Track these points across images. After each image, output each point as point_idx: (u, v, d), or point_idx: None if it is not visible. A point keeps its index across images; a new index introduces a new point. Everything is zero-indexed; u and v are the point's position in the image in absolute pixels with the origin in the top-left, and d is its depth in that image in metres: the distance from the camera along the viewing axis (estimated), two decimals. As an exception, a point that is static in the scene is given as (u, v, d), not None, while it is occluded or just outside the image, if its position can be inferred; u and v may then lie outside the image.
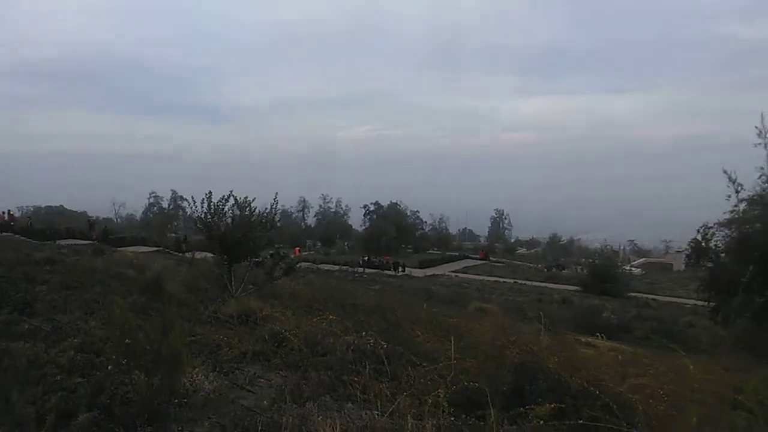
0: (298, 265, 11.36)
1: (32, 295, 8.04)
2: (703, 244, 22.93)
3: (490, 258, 66.77)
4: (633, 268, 58.01)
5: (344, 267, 43.31)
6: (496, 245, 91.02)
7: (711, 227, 20.67)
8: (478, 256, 69.99)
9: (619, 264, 48.30)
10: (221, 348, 5.66)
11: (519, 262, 70.70)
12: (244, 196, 10.00)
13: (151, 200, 78.34)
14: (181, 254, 34.57)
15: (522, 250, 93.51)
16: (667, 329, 25.31)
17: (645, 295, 43.48)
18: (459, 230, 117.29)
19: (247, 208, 9.85)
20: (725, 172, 20.39)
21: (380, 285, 33.74)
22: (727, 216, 21.08)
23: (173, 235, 63.23)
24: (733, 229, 20.90)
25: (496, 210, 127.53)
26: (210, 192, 9.45)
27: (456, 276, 49.88)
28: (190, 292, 10.45)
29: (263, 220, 9.96)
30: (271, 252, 10.34)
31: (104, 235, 42.02)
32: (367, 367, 4.93)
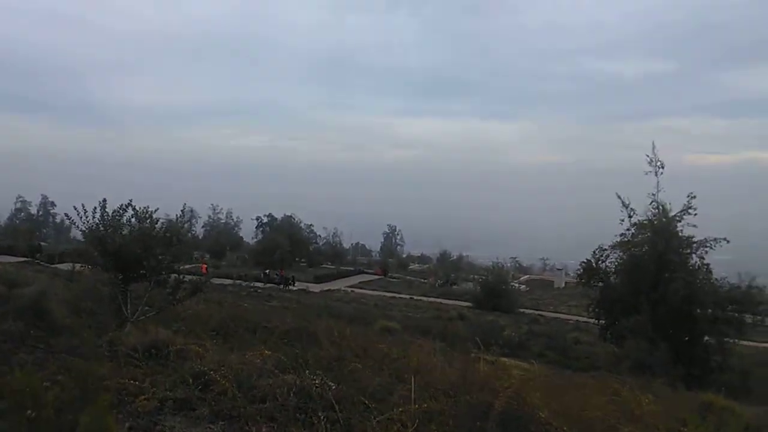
0: (206, 283, 10.18)
1: None
2: (594, 264, 24.03)
3: (388, 274, 66.95)
4: (519, 285, 60.48)
5: (238, 281, 41.32)
6: (390, 260, 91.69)
7: (605, 249, 21.65)
8: (373, 272, 70.02)
9: (509, 281, 50.09)
10: (130, 394, 4.58)
11: (412, 278, 71.59)
12: (145, 205, 8.79)
13: (18, 205, 71.01)
14: (52, 266, 31.24)
15: (414, 266, 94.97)
16: (559, 345, 26.31)
17: (532, 311, 45.37)
18: (352, 245, 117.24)
19: (148, 220, 8.64)
20: (619, 197, 21.55)
21: (277, 301, 32.37)
22: (619, 239, 22.28)
23: (42, 243, 57.66)
24: (625, 252, 22.06)
25: (389, 225, 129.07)
26: (104, 200, 8.17)
27: (352, 291, 49.34)
28: (75, 315, 8.99)
29: (167, 233, 8.78)
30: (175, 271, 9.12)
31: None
32: (321, 417, 4.12)
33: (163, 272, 8.68)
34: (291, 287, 45.42)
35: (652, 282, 19.92)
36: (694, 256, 20.39)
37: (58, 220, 74.11)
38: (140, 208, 8.53)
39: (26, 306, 7.82)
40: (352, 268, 70.67)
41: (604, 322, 24.35)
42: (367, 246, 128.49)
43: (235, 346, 8.86)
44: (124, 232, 8.35)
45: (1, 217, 70.71)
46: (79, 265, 15.24)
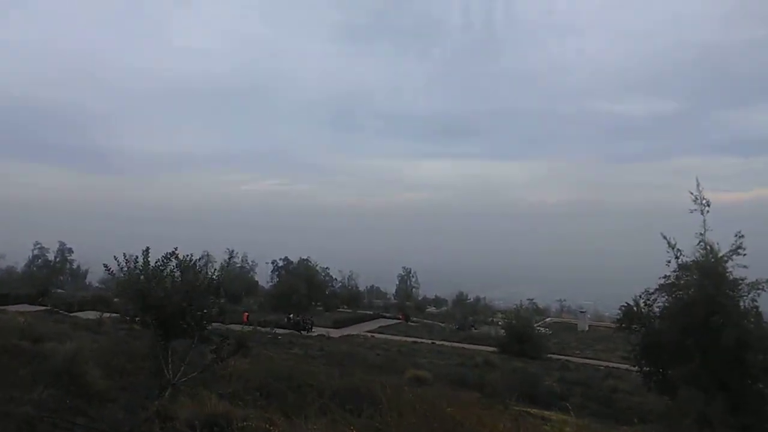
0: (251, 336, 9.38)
1: None
2: (635, 308, 22.92)
3: (410, 319, 65.54)
4: (542, 328, 58.82)
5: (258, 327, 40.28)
6: (407, 304, 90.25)
7: (652, 292, 20.58)
8: (390, 315, 68.74)
9: (534, 324, 48.62)
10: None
11: (430, 321, 70.09)
12: (188, 254, 8.08)
13: (36, 252, 70.81)
14: (71, 314, 30.57)
15: (431, 309, 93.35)
16: (599, 396, 24.94)
17: (559, 356, 43.74)
18: (367, 287, 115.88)
19: (192, 269, 7.92)
20: (664, 237, 20.56)
21: (299, 348, 31.36)
22: (663, 281, 21.20)
23: (60, 290, 57.19)
24: (670, 295, 20.96)
25: (404, 268, 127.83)
26: (147, 249, 7.49)
27: (373, 336, 48.15)
28: (110, 376, 8.21)
29: (211, 284, 8.05)
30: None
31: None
32: None
33: (208, 327, 7.92)
34: (311, 332, 44.32)
35: (703, 327, 18.76)
36: (745, 298, 19.26)
37: (75, 266, 73.95)
38: (183, 256, 7.84)
39: (58, 369, 7.07)
40: (370, 312, 69.49)
41: (647, 369, 22.99)
42: (381, 289, 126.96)
43: (288, 410, 8.02)
44: (166, 285, 7.64)
45: (18, 264, 70.60)
46: (106, 314, 14.52)
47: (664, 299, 21.03)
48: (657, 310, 22.28)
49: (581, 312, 70.61)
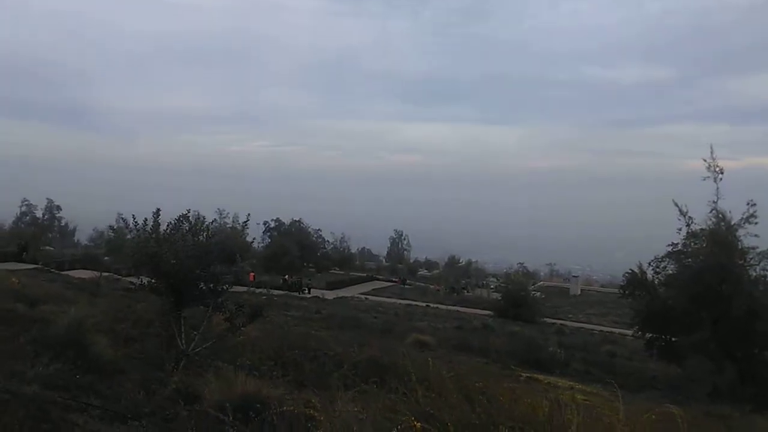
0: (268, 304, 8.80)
1: None
2: (640, 275, 22.67)
3: (407, 282, 65.43)
4: (535, 292, 58.97)
5: (252, 289, 39.88)
6: (399, 266, 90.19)
7: (663, 260, 20.22)
8: (383, 277, 68.76)
9: (529, 289, 48.61)
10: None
11: (423, 284, 70.13)
12: (195, 213, 7.42)
13: (23, 209, 69.49)
14: (62, 273, 29.92)
15: (424, 271, 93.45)
16: (599, 361, 24.86)
17: (554, 321, 43.85)
18: (358, 250, 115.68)
19: (205, 233, 7.27)
20: (676, 204, 20.12)
21: (295, 310, 31.00)
22: (671, 248, 20.85)
23: (48, 248, 56.33)
24: (677, 263, 20.64)
25: (395, 230, 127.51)
26: (158, 210, 6.81)
27: (367, 299, 47.99)
28: (115, 344, 7.61)
29: (225, 248, 7.42)
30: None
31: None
32: None
33: (223, 294, 7.32)
34: (306, 294, 44.03)
35: (713, 296, 18.48)
36: (756, 267, 18.98)
37: (63, 224, 72.87)
38: (194, 218, 7.18)
39: (62, 339, 6.45)
40: (363, 275, 69.39)
41: (651, 336, 22.86)
42: (373, 251, 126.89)
43: (307, 382, 7.50)
44: (178, 249, 6.99)
45: (5, 221, 69.34)
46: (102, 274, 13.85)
47: (672, 266, 20.72)
48: (661, 278, 22.03)
49: (573, 276, 71.00)
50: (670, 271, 20.81)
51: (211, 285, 7.07)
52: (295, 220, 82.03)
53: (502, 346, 19.98)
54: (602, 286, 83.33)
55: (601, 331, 41.93)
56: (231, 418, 4.25)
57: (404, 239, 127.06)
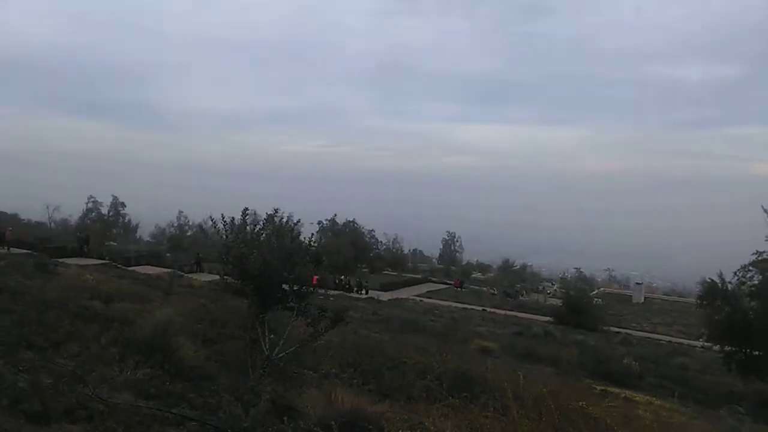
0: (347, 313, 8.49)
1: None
2: (720, 285, 21.44)
3: (464, 285, 64.62)
4: (596, 299, 57.10)
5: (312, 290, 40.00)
6: (453, 268, 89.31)
7: (750, 270, 18.96)
8: (436, 279, 68.10)
9: (592, 295, 46.98)
10: None
11: (477, 287, 69.07)
12: (284, 215, 7.14)
13: (89, 205, 72.30)
14: (129, 269, 30.67)
15: (477, 275, 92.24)
16: (671, 374, 23.59)
17: (618, 330, 42.21)
18: (410, 251, 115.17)
19: (290, 233, 6.98)
20: (765, 210, 18.81)
21: (353, 311, 30.82)
22: (756, 257, 19.57)
23: (113, 243, 58.22)
24: (763, 273, 19.36)
25: (448, 232, 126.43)
26: (245, 210, 6.57)
27: (422, 301, 47.46)
28: (197, 347, 7.42)
29: (309, 250, 7.11)
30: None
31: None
32: None
33: (308, 297, 7.02)
34: (362, 294, 43.89)
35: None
36: None
37: (126, 220, 75.42)
38: (280, 218, 6.90)
39: (149, 341, 6.26)
40: (418, 276, 68.92)
41: (729, 349, 21.56)
42: (425, 253, 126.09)
43: (389, 392, 7.09)
44: (264, 251, 6.73)
45: (72, 216, 72.36)
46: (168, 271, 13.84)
47: (757, 276, 19.45)
48: (745, 288, 20.78)
49: (637, 283, 68.18)
50: (756, 281, 19.55)
51: (296, 287, 6.77)
52: (349, 221, 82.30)
53: (572, 356, 19.10)
54: (665, 294, 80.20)
55: (669, 341, 40.12)
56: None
57: (457, 241, 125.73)
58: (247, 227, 6.75)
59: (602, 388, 16.14)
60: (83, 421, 3.74)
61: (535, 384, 8.59)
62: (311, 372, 7.05)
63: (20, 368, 4.76)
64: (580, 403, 7.48)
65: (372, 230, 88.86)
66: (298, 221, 7.05)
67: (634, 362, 20.14)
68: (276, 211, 6.86)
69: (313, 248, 7.05)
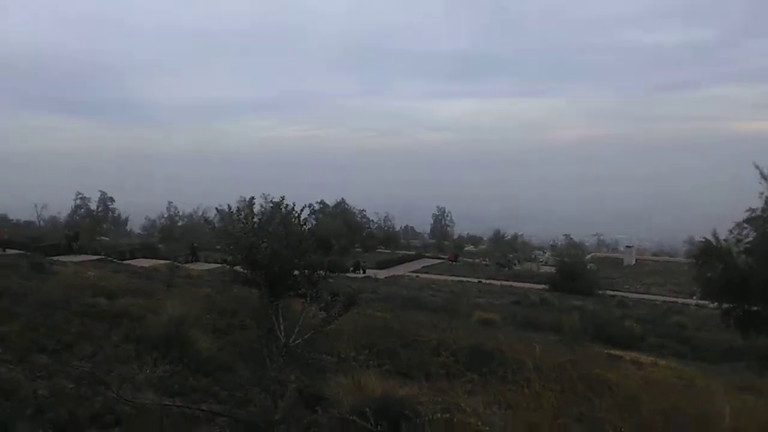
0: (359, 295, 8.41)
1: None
2: (715, 243, 21.66)
3: (459, 258, 64.82)
4: (589, 264, 57.54)
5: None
6: (445, 243, 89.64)
7: (746, 227, 19.11)
8: (430, 254, 68.34)
9: (586, 261, 47.33)
10: None
11: (471, 260, 69.46)
12: (289, 203, 7.01)
13: (78, 201, 71.50)
14: (124, 262, 30.43)
15: (470, 247, 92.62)
16: (671, 334, 23.88)
17: (613, 293, 42.68)
18: (401, 228, 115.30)
19: (296, 220, 6.87)
20: (757, 167, 18.92)
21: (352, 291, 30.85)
22: (749, 214, 19.72)
23: (104, 238, 57.76)
24: (756, 230, 19.54)
25: (438, 207, 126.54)
26: (251, 199, 6.45)
27: (418, 277, 47.73)
28: (211, 337, 7.34)
29: (315, 236, 7.01)
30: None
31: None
32: None
33: (320, 283, 6.93)
34: (358, 274, 43.92)
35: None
36: None
37: (116, 214, 74.67)
38: (285, 205, 6.78)
39: (164, 336, 6.15)
40: (412, 253, 69.11)
41: (727, 306, 21.86)
42: (416, 229, 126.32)
43: (407, 371, 7.07)
44: (272, 240, 6.61)
45: (60, 214, 71.54)
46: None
47: (752, 233, 19.62)
48: (740, 246, 21.00)
49: (627, 247, 68.95)
50: (750, 238, 19.74)
51: (308, 273, 6.68)
52: (340, 201, 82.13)
53: (573, 323, 19.25)
54: (654, 255, 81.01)
55: (663, 301, 40.64)
56: (378, 426, 3.80)
57: (447, 216, 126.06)
58: (255, 217, 6.62)
59: (607, 352, 16.29)
60: (113, 426, 3.65)
61: (549, 354, 8.61)
62: (329, 357, 7.00)
63: (37, 374, 4.65)
64: (598, 370, 7.50)
65: (363, 210, 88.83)
66: (304, 208, 6.93)
67: (635, 324, 20.33)
68: (283, 198, 6.74)
69: (321, 234, 6.95)
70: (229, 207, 6.63)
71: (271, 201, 6.91)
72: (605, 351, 16.47)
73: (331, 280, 7.18)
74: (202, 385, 4.94)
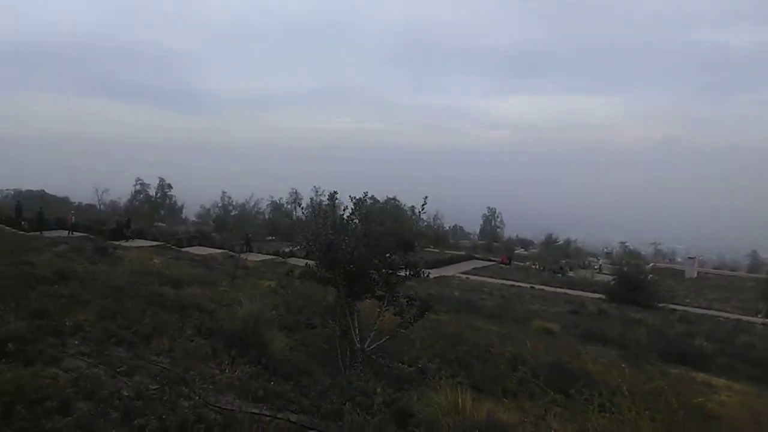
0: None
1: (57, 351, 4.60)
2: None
3: (512, 261, 63.74)
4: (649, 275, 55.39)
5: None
6: (495, 244, 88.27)
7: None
8: (479, 256, 67.32)
9: (647, 271, 45.45)
10: None
11: (522, 263, 68.05)
12: (366, 195, 6.68)
13: (137, 187, 73.69)
14: (183, 249, 30.99)
15: (520, 250, 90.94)
16: (739, 354, 22.52)
17: (674, 307, 40.84)
18: (450, 227, 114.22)
19: (376, 216, 6.54)
20: None
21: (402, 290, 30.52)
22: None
23: (161, 224, 59.20)
24: None
25: (488, 208, 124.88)
26: (334, 193, 6.16)
27: (468, 278, 46.92)
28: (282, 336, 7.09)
29: (404, 235, 6.65)
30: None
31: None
32: None
33: (399, 286, 6.59)
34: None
35: None
36: None
37: (173, 201, 76.61)
38: (364, 198, 6.46)
39: (240, 335, 5.91)
40: (462, 253, 68.23)
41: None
42: (465, 229, 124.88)
43: (480, 385, 6.63)
44: (352, 236, 6.30)
45: (121, 199, 73.94)
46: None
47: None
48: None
49: (689, 258, 66.08)
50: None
51: (387, 274, 6.35)
52: (390, 198, 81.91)
53: (640, 338, 18.33)
54: (714, 268, 77.49)
55: (728, 318, 38.63)
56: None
57: (497, 217, 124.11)
58: (336, 213, 6.35)
59: (677, 371, 15.42)
60: (203, 435, 3.38)
61: (636, 375, 8.00)
62: (405, 365, 6.64)
63: (116, 369, 4.45)
64: (700, 398, 6.86)
65: (413, 207, 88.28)
66: (392, 201, 6.59)
67: (705, 343, 19.21)
68: (365, 194, 6.43)
69: (404, 232, 6.59)
70: (312, 201, 6.34)
71: (363, 199, 6.59)
72: (677, 371, 15.61)
73: (412, 283, 6.79)
74: (284, 390, 4.65)
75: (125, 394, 3.78)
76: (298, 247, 8.30)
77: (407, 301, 6.74)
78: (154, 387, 4.04)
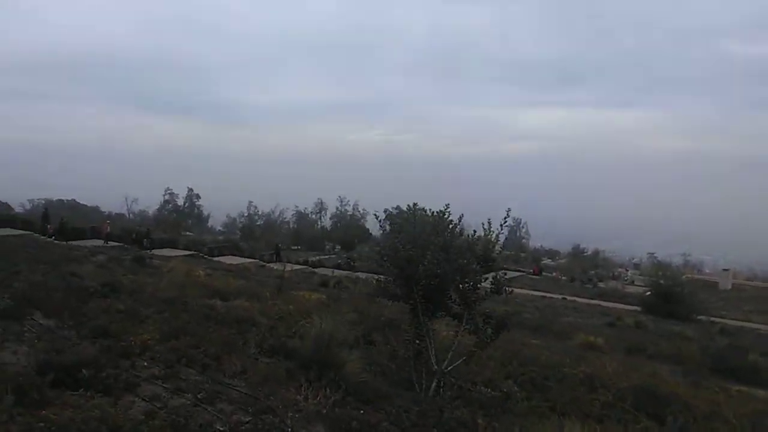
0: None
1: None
2: None
3: (542, 273, 62.98)
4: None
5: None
6: (522, 255, 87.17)
7: None
8: (507, 267, 66.44)
9: (684, 283, 44.16)
10: None
11: (551, 274, 66.98)
12: (445, 210, 6.26)
13: (166, 197, 74.43)
14: (214, 259, 30.91)
15: (547, 261, 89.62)
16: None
17: (712, 319, 39.59)
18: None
19: (449, 228, 6.13)
20: None
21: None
22: None
23: (188, 233, 59.50)
24: None
25: (514, 218, 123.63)
26: (414, 206, 5.78)
27: (499, 290, 45.94)
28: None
29: (484, 251, 6.22)
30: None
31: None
32: None
33: (477, 304, 6.15)
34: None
35: None
36: None
37: (200, 210, 77.25)
38: (432, 211, 6.07)
39: (309, 356, 5.51)
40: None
41: None
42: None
43: (560, 408, 6.11)
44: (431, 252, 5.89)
45: (150, 208, 74.70)
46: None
47: None
48: None
49: (724, 270, 64.35)
50: None
51: (468, 291, 5.93)
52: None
53: (693, 352, 17.59)
54: (747, 280, 75.39)
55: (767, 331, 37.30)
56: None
57: (523, 227, 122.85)
58: (415, 226, 5.94)
59: (736, 389, 14.69)
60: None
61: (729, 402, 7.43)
62: (488, 390, 6.20)
63: (198, 398, 4.09)
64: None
65: (457, 219, 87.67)
66: (461, 217, 6.22)
67: (759, 357, 18.37)
68: (447, 207, 6.01)
69: (484, 249, 6.16)
70: (398, 209, 5.99)
71: (444, 212, 6.19)
72: (737, 388, 14.87)
73: (490, 301, 6.35)
74: (374, 420, 4.24)
75: (219, 428, 3.42)
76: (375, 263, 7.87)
77: (483, 319, 6.30)
78: (247, 420, 3.66)
